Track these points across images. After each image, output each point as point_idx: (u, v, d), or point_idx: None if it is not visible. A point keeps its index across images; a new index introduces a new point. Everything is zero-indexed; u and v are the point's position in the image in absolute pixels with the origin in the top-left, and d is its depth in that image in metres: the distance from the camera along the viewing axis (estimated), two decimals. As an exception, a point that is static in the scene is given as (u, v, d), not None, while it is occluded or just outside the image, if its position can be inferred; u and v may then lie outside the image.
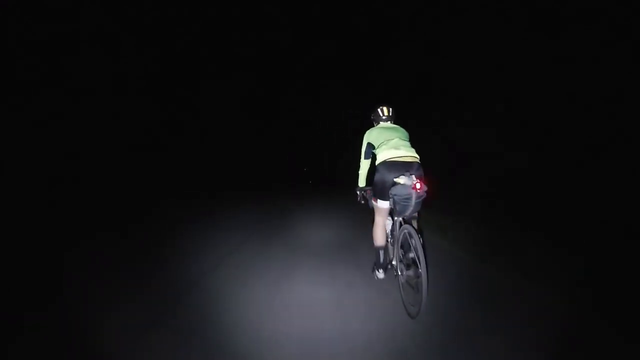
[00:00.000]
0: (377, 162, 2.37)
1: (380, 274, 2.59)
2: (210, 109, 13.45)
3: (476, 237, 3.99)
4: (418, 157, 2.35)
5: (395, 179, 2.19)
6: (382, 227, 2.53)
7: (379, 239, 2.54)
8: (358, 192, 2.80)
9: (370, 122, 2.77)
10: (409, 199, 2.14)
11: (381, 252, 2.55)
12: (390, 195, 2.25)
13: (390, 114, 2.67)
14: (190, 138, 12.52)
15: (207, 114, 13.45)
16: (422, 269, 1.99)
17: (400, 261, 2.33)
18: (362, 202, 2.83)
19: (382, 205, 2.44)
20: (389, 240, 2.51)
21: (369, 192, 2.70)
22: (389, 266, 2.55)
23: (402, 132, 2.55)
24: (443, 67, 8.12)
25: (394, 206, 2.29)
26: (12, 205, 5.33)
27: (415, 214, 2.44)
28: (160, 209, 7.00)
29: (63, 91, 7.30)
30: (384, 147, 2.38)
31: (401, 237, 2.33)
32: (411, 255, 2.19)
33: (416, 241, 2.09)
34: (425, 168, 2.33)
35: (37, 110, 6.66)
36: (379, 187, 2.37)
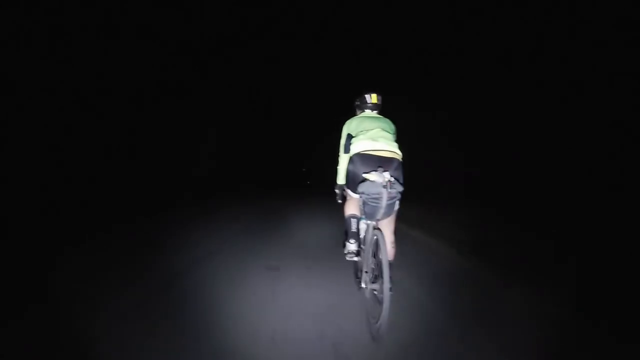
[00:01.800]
0: (351, 153, 2.05)
1: (352, 245, 2.18)
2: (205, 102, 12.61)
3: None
4: (400, 153, 2.00)
5: (364, 175, 1.87)
6: (352, 200, 2.23)
7: (350, 209, 2.22)
8: (337, 191, 2.49)
9: (353, 110, 2.46)
10: (378, 199, 1.80)
11: (352, 221, 2.20)
12: (359, 194, 1.93)
13: (378, 102, 2.34)
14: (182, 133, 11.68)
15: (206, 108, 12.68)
16: (385, 283, 1.66)
17: (367, 272, 2.00)
18: (341, 201, 2.51)
19: (353, 195, 2.13)
20: (356, 247, 2.17)
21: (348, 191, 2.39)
22: (358, 275, 2.21)
23: (387, 124, 2.21)
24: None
25: (363, 207, 1.96)
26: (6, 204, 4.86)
27: (392, 219, 2.09)
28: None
29: (61, 90, 7.02)
30: (361, 136, 2.07)
31: (372, 243, 2.00)
32: (380, 265, 1.86)
33: (382, 251, 1.76)
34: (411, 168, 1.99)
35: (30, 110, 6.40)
36: (350, 178, 2.07)
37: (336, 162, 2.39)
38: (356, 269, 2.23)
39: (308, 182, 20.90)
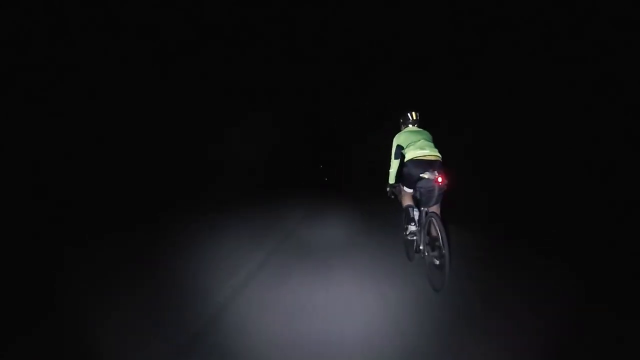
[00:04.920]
0: (405, 159, 2.82)
1: (413, 227, 2.93)
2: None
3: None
4: (440, 156, 2.75)
5: (420, 174, 2.62)
6: (407, 195, 3.00)
7: (405, 200, 3.02)
8: (388, 189, 3.23)
9: (398, 124, 3.21)
10: (432, 190, 2.56)
11: (410, 210, 2.98)
12: (417, 188, 2.68)
13: (417, 118, 3.09)
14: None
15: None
16: (445, 250, 2.37)
17: (427, 244, 2.73)
18: (392, 197, 3.25)
19: (407, 190, 2.95)
20: (416, 228, 2.91)
21: (398, 188, 3.13)
22: (418, 249, 2.94)
23: (427, 135, 2.96)
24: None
25: (420, 197, 2.71)
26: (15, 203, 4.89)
27: (439, 204, 2.82)
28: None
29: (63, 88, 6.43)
30: (411, 147, 2.82)
31: (426, 224, 2.73)
32: (435, 239, 2.58)
33: (439, 226, 2.49)
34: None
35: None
36: (405, 178, 2.84)
37: (387, 166, 3.15)
38: (415, 245, 2.96)
39: (326, 178, 22.12)
